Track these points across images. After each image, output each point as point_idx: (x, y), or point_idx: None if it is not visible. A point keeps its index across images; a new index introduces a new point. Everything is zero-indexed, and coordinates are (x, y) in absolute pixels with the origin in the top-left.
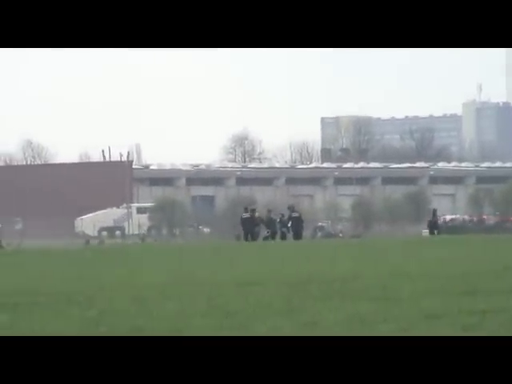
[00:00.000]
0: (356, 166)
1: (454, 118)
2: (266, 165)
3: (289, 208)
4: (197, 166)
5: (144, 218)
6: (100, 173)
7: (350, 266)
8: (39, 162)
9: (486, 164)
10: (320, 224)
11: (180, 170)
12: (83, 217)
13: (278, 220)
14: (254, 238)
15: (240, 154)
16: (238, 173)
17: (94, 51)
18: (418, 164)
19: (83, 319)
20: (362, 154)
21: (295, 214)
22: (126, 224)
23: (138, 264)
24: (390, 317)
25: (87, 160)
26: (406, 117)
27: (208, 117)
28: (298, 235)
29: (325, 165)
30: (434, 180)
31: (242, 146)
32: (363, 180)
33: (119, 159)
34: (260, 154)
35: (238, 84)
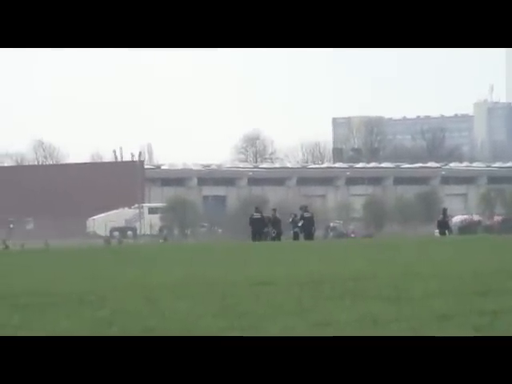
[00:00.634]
0: (368, 166)
1: (465, 118)
2: (277, 165)
3: (301, 208)
4: (208, 166)
5: (156, 219)
6: (111, 173)
7: (361, 266)
8: (50, 162)
9: (497, 164)
10: (332, 224)
11: (191, 170)
12: (95, 217)
13: (290, 220)
14: (263, 238)
15: (251, 154)
16: (250, 173)
17: (105, 51)
18: (429, 164)
19: (95, 319)
20: (374, 153)
21: (307, 214)
22: (137, 224)
23: (150, 264)
24: (401, 317)
25: (99, 160)
26: (418, 117)
27: (219, 117)
28: (309, 235)
29: (336, 165)
30: (445, 180)
31: (254, 146)
32: (375, 180)
33: (131, 159)
34: (272, 154)
35: (249, 84)
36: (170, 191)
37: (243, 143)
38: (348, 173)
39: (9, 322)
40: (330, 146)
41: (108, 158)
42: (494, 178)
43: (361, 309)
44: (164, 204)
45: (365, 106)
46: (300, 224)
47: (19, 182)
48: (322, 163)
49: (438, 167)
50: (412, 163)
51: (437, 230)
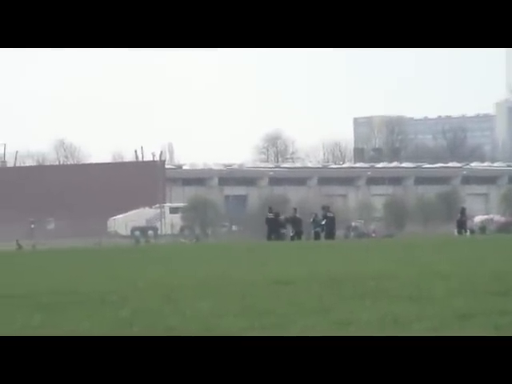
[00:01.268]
0: (389, 165)
1: (486, 118)
2: (298, 165)
3: (323, 208)
4: (229, 165)
5: (177, 218)
6: (133, 173)
7: (382, 266)
8: (72, 162)
9: None
10: (353, 224)
11: (212, 169)
12: (116, 217)
13: (312, 220)
14: (278, 238)
15: (273, 154)
16: (271, 173)
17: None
18: (450, 164)
19: (116, 319)
20: (395, 153)
21: (330, 214)
22: (158, 224)
23: (171, 263)
24: (422, 316)
25: (120, 160)
26: (439, 116)
27: (240, 117)
28: (331, 235)
29: (358, 165)
30: (466, 180)
31: (275, 145)
32: (396, 180)
33: (152, 159)
34: (293, 153)
35: (270, 84)
36: (191, 191)
37: (264, 143)
38: (369, 173)
39: (31, 321)
40: (351, 146)
41: (129, 157)
42: None
43: (382, 308)
44: (185, 204)
45: (386, 106)
46: (323, 223)
47: (40, 182)
48: (343, 163)
49: (459, 167)
50: (433, 163)
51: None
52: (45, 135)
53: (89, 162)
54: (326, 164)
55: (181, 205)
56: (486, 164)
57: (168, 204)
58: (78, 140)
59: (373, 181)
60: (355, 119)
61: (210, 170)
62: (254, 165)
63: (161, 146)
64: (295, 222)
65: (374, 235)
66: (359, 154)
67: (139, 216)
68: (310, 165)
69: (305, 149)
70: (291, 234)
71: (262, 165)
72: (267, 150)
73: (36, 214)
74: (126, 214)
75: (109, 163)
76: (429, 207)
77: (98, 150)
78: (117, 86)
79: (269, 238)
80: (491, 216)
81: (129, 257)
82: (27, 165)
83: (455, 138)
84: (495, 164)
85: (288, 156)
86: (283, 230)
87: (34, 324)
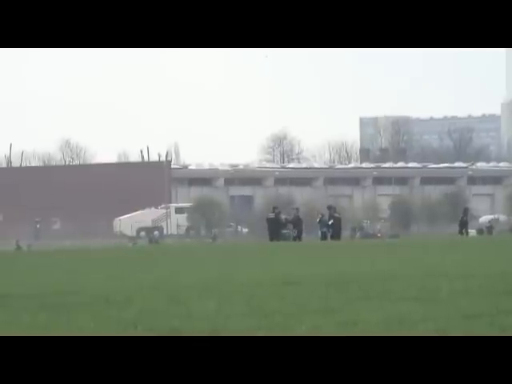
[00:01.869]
0: (395, 165)
1: (492, 118)
2: (304, 165)
3: (329, 208)
4: (235, 166)
5: (182, 218)
6: (138, 173)
7: (388, 266)
8: (77, 163)
9: None
10: (359, 224)
11: (218, 170)
12: (121, 217)
13: (318, 220)
14: (279, 238)
15: (278, 154)
16: (277, 173)
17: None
18: (456, 164)
19: (121, 319)
20: (401, 153)
21: (336, 215)
22: (164, 224)
23: (176, 263)
24: (428, 317)
25: (126, 160)
26: (445, 117)
27: (246, 117)
28: (337, 236)
29: (363, 165)
30: (472, 180)
31: (281, 145)
32: (402, 180)
33: (158, 159)
34: (298, 154)
35: (276, 84)
36: (197, 191)
37: (270, 143)
38: (375, 173)
39: (36, 321)
40: (357, 146)
41: (135, 157)
42: None
43: (388, 309)
44: (191, 204)
45: (392, 106)
46: (329, 223)
47: (46, 183)
48: (349, 163)
49: (464, 167)
50: (439, 163)
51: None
52: (51, 135)
53: (94, 162)
54: (332, 164)
55: (186, 205)
56: (491, 164)
57: (174, 204)
58: (83, 140)
59: (379, 181)
60: (361, 119)
61: (216, 170)
62: (259, 165)
63: (167, 146)
64: (296, 223)
65: (379, 235)
66: (365, 154)
67: (145, 216)
68: (315, 165)
69: (311, 149)
70: (294, 235)
71: (268, 165)
72: (273, 150)
73: (41, 214)
74: (132, 214)
75: (114, 163)
76: (434, 207)
77: (103, 150)
78: (123, 87)
79: (271, 238)
80: (497, 216)
81: (134, 257)
82: (33, 165)
83: (461, 139)
84: (501, 164)
85: (294, 156)
86: (285, 231)
87: (39, 324)
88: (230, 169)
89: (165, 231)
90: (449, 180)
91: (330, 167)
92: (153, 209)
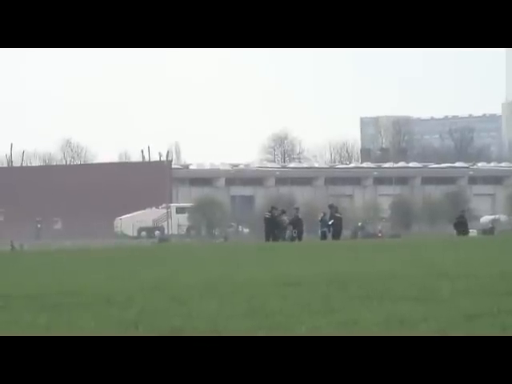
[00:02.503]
0: (395, 165)
1: (493, 118)
2: (305, 165)
3: (330, 207)
4: (236, 165)
5: (183, 218)
6: (139, 173)
7: (389, 266)
8: (78, 162)
9: None
10: (359, 224)
11: (219, 169)
12: (122, 217)
13: (320, 219)
14: (276, 238)
15: (279, 154)
16: (278, 173)
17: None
18: (457, 164)
19: (122, 319)
20: (402, 153)
21: (337, 215)
22: (165, 224)
23: (177, 263)
24: (429, 317)
25: (127, 160)
26: (446, 117)
27: (247, 117)
28: (337, 235)
29: (364, 164)
30: (473, 180)
31: (282, 145)
32: (403, 180)
33: (159, 159)
34: (299, 153)
35: (277, 84)
36: (198, 191)
37: (271, 143)
38: (376, 173)
39: (37, 321)
40: (358, 146)
41: (136, 157)
42: None
43: (388, 309)
44: (192, 204)
45: (393, 106)
46: (330, 223)
47: (47, 182)
48: (350, 163)
49: (465, 167)
50: (440, 163)
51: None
52: (51, 135)
53: (95, 162)
54: (333, 164)
55: (187, 205)
56: (492, 164)
57: (174, 204)
58: (84, 140)
59: (379, 181)
60: (362, 119)
61: (217, 170)
62: (260, 165)
63: (168, 146)
64: (295, 223)
65: (380, 235)
66: (366, 154)
67: (146, 216)
68: (316, 165)
69: (312, 149)
70: (293, 235)
71: (269, 165)
72: (274, 150)
73: (42, 214)
74: (133, 214)
75: (115, 163)
76: (435, 207)
77: (104, 150)
78: (123, 86)
79: (267, 238)
80: (498, 216)
81: (135, 256)
82: (34, 165)
83: (462, 138)
84: (502, 164)
85: (295, 156)
86: (287, 232)
87: (40, 324)
88: (230, 169)
89: (166, 231)
90: (450, 180)
91: (331, 167)
92: (154, 209)
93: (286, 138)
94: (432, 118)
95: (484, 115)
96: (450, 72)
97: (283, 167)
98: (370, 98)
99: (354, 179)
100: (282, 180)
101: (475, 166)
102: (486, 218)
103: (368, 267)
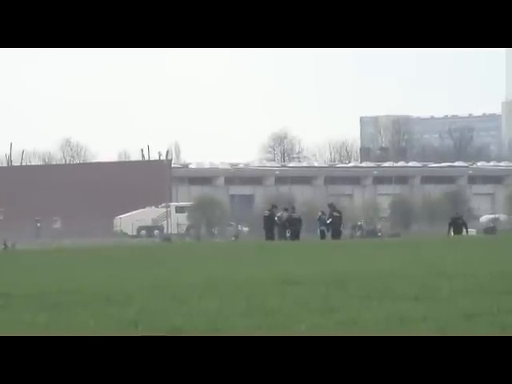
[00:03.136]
0: (395, 165)
1: (493, 117)
2: (304, 164)
3: (329, 206)
4: (236, 165)
5: (183, 217)
6: (139, 172)
7: (388, 265)
8: (78, 162)
9: None
10: (359, 223)
11: (219, 169)
12: (122, 216)
13: (318, 218)
14: (272, 237)
15: (279, 153)
16: (277, 172)
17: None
18: (457, 163)
19: (122, 318)
20: (401, 153)
21: (336, 213)
22: (164, 223)
23: (177, 262)
24: (428, 316)
25: (126, 159)
26: (446, 116)
27: (247, 116)
28: (337, 234)
29: (364, 164)
30: (473, 179)
31: (281, 144)
32: (402, 179)
33: (158, 158)
34: (299, 153)
35: (277, 83)
36: (197, 190)
37: (271, 142)
38: (375, 172)
39: (37, 320)
40: (358, 145)
41: (135, 156)
42: None
43: (388, 308)
44: (191, 203)
45: (392, 105)
46: (328, 222)
47: (46, 181)
48: (349, 162)
49: (465, 166)
50: (439, 162)
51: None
52: (51, 134)
53: (95, 161)
54: (333, 163)
55: (187, 204)
56: (492, 163)
57: (174, 203)
58: (84, 139)
59: (379, 180)
60: (362, 118)
61: (217, 169)
62: (260, 164)
63: (167, 145)
64: (290, 222)
65: (379, 234)
66: (365, 153)
67: (145, 215)
68: (316, 164)
69: (311, 148)
70: (288, 234)
71: (269, 164)
72: (274, 149)
73: (42, 213)
74: (132, 213)
75: (115, 162)
76: (435, 207)
77: (104, 149)
78: (123, 86)
79: (267, 236)
80: (497, 216)
81: (135, 256)
82: (33, 164)
83: (461, 138)
84: (501, 163)
85: (294, 155)
86: (284, 229)
87: (40, 323)
88: (230, 168)
89: (165, 230)
90: (449, 179)
91: (331, 166)
92: (153, 208)
93: (285, 137)
94: (432, 118)
95: (484, 114)
96: (449, 71)
97: (283, 166)
98: (369, 97)
99: (354, 178)
100: (281, 179)
101: (475, 166)
102: (485, 218)
103: (367, 266)
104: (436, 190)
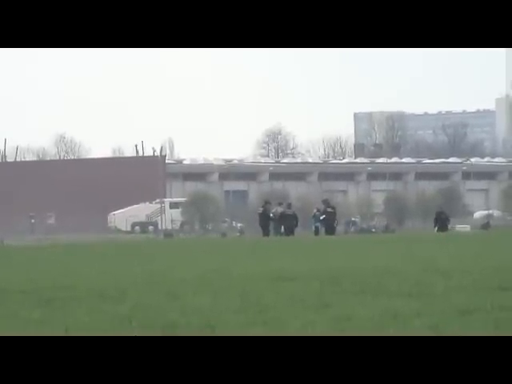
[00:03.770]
0: (389, 161)
1: (487, 114)
2: (299, 160)
3: (323, 202)
4: (230, 160)
5: (177, 213)
6: (133, 168)
7: (382, 262)
8: (72, 157)
9: None
10: (353, 219)
11: (213, 164)
12: (116, 212)
13: (313, 215)
14: (266, 233)
15: (273, 149)
16: (271, 168)
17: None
18: (451, 159)
19: (116, 314)
20: (395, 149)
21: (330, 210)
22: (158, 219)
23: (171, 258)
24: (423, 312)
25: (120, 155)
26: (439, 112)
27: (241, 112)
28: (331, 230)
29: (358, 160)
30: (466, 175)
31: (276, 140)
32: (396, 175)
33: (152, 154)
34: (293, 149)
35: (271, 79)
36: (192, 186)
37: (265, 138)
38: (369, 168)
39: (31, 316)
40: (352, 141)
41: (129, 152)
42: None
43: (382, 304)
44: (185, 199)
45: (386, 101)
46: (322, 218)
47: (41, 177)
48: (344, 158)
49: (459, 162)
50: (433, 158)
51: (460, 226)
52: (45, 130)
53: (89, 157)
54: (327, 159)
55: (181, 200)
56: (486, 159)
57: (168, 199)
58: (78, 135)
59: (373, 176)
60: (356, 114)
61: (211, 164)
62: (254, 160)
63: (161, 141)
64: (285, 217)
65: (373, 231)
66: (359, 149)
67: (139, 211)
68: (310, 160)
69: (305, 144)
70: (281, 231)
71: (263, 160)
72: (268, 145)
73: (36, 209)
74: (126, 209)
75: (109, 158)
76: (429, 203)
77: (98, 145)
78: (117, 82)
79: (264, 234)
80: (491, 211)
81: (129, 252)
82: (27, 160)
83: (455, 134)
84: (495, 159)
85: (288, 151)
86: (279, 225)
87: (34, 319)
88: (224, 164)
89: (159, 226)
90: (443, 175)
91: (325, 162)
92: (147, 203)
93: (279, 133)
94: (426, 114)
95: (478, 111)
96: (443, 67)
97: (277, 162)
98: (363, 93)
99: (348, 174)
100: (275, 175)
101: (469, 162)
102: (479, 214)
103: (362, 262)
104: (430, 186)
